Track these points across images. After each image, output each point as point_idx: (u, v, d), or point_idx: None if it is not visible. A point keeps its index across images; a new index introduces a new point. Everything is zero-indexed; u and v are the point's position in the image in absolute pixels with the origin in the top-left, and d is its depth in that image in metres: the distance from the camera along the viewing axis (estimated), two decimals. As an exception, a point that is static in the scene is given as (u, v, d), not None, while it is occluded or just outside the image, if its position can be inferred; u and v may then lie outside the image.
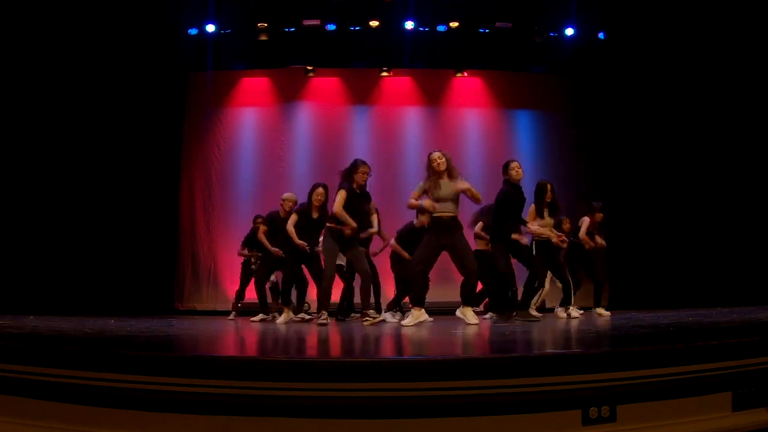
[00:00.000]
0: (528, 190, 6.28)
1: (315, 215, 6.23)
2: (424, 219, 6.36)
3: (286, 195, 7.06)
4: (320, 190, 6.21)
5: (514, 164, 5.98)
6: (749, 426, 2.56)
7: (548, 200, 6.35)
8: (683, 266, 8.81)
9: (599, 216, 7.02)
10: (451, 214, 5.26)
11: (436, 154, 5.31)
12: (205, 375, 2.43)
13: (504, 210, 5.97)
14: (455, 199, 5.29)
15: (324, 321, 5.69)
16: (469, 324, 5.14)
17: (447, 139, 10.21)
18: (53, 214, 8.80)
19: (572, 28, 9.80)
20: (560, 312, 6.62)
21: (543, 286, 7.19)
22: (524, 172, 6.09)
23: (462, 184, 5.28)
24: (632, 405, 2.45)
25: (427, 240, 5.34)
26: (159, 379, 2.44)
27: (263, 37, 9.66)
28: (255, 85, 10.56)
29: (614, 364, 2.45)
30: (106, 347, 2.90)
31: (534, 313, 6.52)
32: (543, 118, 10.75)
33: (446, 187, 5.25)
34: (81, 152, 9.00)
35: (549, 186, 6.37)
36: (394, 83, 10.60)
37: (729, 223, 8.66)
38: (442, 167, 5.26)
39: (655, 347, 2.59)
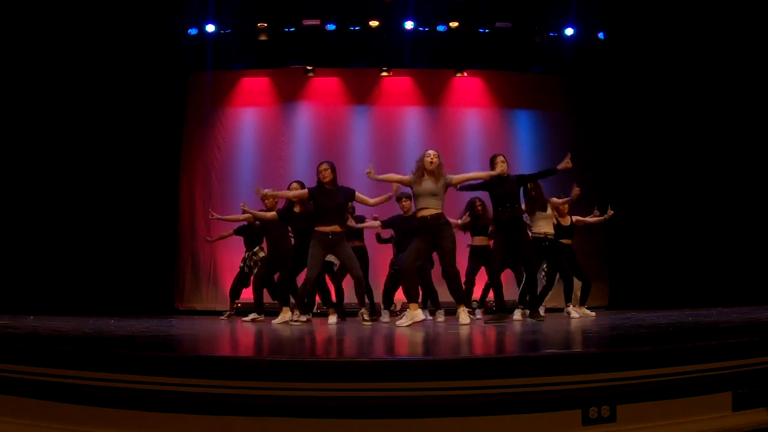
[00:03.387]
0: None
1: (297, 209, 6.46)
2: (407, 204, 6.65)
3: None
4: (294, 185, 6.50)
5: (497, 158, 6.03)
6: (749, 426, 2.56)
7: (533, 195, 6.47)
8: (684, 266, 8.80)
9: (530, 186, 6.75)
10: (433, 211, 5.33)
11: (432, 152, 5.42)
12: (205, 375, 2.43)
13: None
14: (438, 194, 5.34)
15: (297, 320, 6.00)
16: (462, 324, 5.13)
17: (447, 139, 10.21)
18: (53, 214, 8.79)
19: (572, 28, 9.80)
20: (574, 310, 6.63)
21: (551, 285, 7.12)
22: (524, 171, 6.12)
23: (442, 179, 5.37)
24: (632, 405, 2.45)
25: (416, 240, 5.44)
26: (159, 379, 2.44)
27: (263, 37, 9.64)
28: (255, 85, 10.55)
29: (614, 364, 2.45)
30: (106, 347, 2.90)
31: (542, 312, 6.54)
32: (543, 118, 10.74)
33: (427, 183, 5.34)
34: (81, 153, 8.99)
35: (529, 185, 6.48)
36: (394, 83, 10.59)
37: (729, 223, 8.66)
38: (432, 167, 5.34)
39: (655, 347, 2.59)
